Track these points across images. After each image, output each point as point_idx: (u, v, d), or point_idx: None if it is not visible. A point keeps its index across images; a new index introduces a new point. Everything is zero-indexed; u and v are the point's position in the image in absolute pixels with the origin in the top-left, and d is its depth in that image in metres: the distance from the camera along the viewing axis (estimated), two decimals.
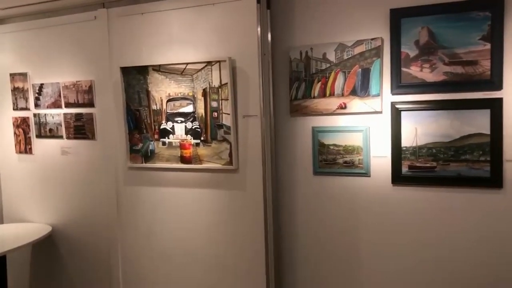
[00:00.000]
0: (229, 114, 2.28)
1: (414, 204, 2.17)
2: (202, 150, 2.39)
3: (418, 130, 2.12)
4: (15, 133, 3.01)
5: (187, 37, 2.39)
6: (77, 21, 2.70)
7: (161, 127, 2.48)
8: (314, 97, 2.32)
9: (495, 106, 1.98)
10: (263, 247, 2.30)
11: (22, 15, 2.90)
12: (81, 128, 2.76)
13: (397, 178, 2.18)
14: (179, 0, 2.39)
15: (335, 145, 2.30)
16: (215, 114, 2.33)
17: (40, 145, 2.94)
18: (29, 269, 3.07)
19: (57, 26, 2.77)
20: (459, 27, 2.02)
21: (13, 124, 3.01)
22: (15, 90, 2.97)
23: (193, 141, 2.41)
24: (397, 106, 2.15)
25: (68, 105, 2.79)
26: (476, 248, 2.08)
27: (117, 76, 2.52)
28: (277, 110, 2.41)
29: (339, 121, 2.29)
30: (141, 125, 2.53)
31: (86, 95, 2.72)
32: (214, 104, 2.32)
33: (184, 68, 2.36)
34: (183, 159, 2.45)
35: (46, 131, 2.89)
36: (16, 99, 2.98)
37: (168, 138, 2.47)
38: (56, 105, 2.83)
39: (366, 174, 2.25)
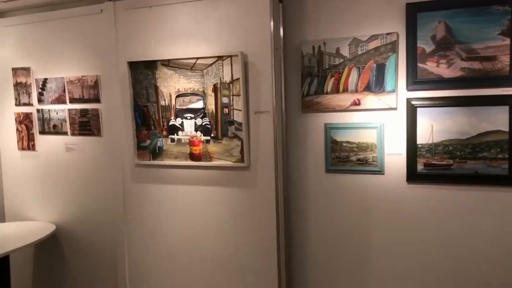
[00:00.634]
0: (240, 110, 2.23)
1: (429, 202, 2.14)
2: (212, 147, 2.34)
3: (434, 127, 2.08)
4: (17, 129, 2.94)
5: (198, 31, 2.33)
6: (82, 14, 2.64)
7: (170, 123, 2.42)
8: (327, 93, 2.27)
9: None
10: (275, 246, 2.26)
11: (25, 8, 2.84)
12: (86, 124, 2.70)
13: (412, 176, 2.14)
14: None
15: (348, 142, 2.26)
16: (226, 110, 2.28)
17: (44, 142, 2.87)
18: (32, 268, 3.02)
19: (61, 20, 2.71)
20: (477, 21, 1.98)
21: (16, 120, 2.94)
22: (17, 85, 2.90)
23: (203, 138, 2.35)
24: (413, 102, 2.11)
25: (72, 100, 2.73)
26: (492, 248, 2.05)
27: (124, 71, 2.47)
28: (289, 106, 2.36)
29: (352, 117, 2.25)
30: (149, 121, 2.47)
31: (91, 90, 2.66)
32: (225, 100, 2.27)
33: (194, 63, 2.31)
34: (193, 156, 2.40)
35: (50, 127, 2.83)
36: (18, 94, 2.91)
37: (177, 134, 2.42)
38: (60, 100, 2.77)
39: (380, 172, 2.21)
